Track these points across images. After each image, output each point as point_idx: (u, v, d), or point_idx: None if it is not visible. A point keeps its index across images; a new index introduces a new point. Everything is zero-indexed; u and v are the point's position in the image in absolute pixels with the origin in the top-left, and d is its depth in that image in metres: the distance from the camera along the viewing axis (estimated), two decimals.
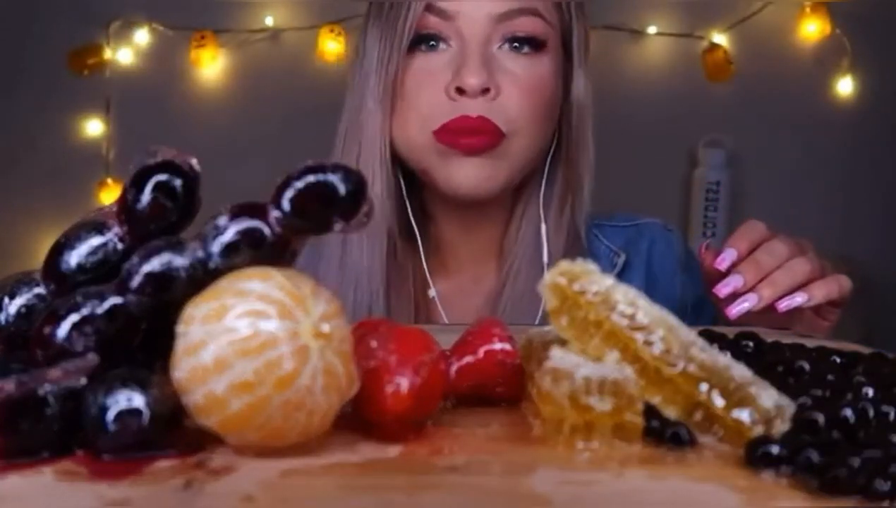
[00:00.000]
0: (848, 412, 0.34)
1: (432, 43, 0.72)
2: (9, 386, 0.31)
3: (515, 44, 0.72)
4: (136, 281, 0.33)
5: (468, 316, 0.73)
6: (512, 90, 0.71)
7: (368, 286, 0.75)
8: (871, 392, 0.36)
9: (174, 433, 0.32)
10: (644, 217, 0.87)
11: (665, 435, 0.33)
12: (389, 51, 0.72)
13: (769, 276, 0.64)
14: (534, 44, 0.72)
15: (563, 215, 0.78)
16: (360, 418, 0.34)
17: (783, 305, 0.64)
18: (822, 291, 0.65)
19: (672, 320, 0.36)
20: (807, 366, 0.42)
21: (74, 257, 0.36)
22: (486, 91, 0.70)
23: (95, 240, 0.36)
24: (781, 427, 0.33)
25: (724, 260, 0.66)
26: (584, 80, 0.78)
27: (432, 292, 0.78)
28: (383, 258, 0.76)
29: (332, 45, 1.87)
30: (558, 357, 0.34)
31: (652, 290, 0.78)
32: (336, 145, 0.78)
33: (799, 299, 0.64)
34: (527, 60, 0.72)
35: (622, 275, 0.79)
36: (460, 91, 0.70)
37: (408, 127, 0.73)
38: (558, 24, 0.75)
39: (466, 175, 0.72)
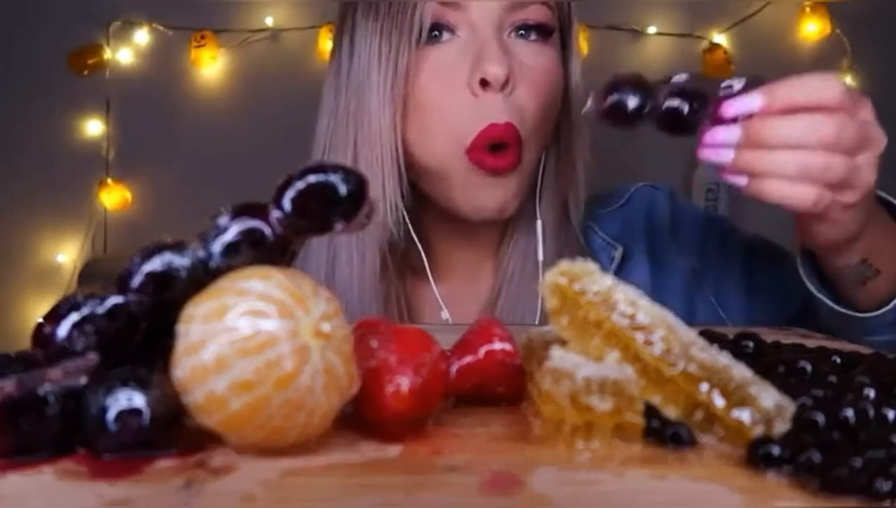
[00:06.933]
0: (848, 412, 0.34)
1: (435, 33, 0.69)
2: (9, 386, 0.31)
3: (522, 31, 0.70)
4: (136, 280, 0.33)
5: (464, 320, 0.71)
6: (524, 84, 0.68)
7: (359, 306, 0.71)
8: (871, 392, 0.36)
9: (174, 432, 0.32)
10: (634, 184, 0.84)
11: (665, 435, 0.33)
12: (398, 44, 0.68)
13: (773, 152, 0.52)
14: (542, 31, 0.70)
15: (559, 213, 0.76)
16: (360, 418, 0.34)
17: (744, 184, 0.53)
18: (809, 198, 0.52)
19: (672, 320, 0.36)
20: (807, 366, 0.42)
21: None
22: (506, 82, 0.67)
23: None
24: (782, 427, 0.33)
25: (731, 108, 0.53)
26: (580, 69, 0.76)
27: (445, 314, 0.75)
28: (376, 276, 0.72)
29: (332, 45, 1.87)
30: (558, 357, 0.34)
31: (662, 262, 0.78)
32: (316, 148, 0.74)
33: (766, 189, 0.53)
34: (535, 48, 0.70)
35: (622, 267, 0.77)
36: (484, 83, 0.67)
37: (431, 136, 0.69)
38: (556, 10, 0.72)
39: (492, 196, 0.69)
